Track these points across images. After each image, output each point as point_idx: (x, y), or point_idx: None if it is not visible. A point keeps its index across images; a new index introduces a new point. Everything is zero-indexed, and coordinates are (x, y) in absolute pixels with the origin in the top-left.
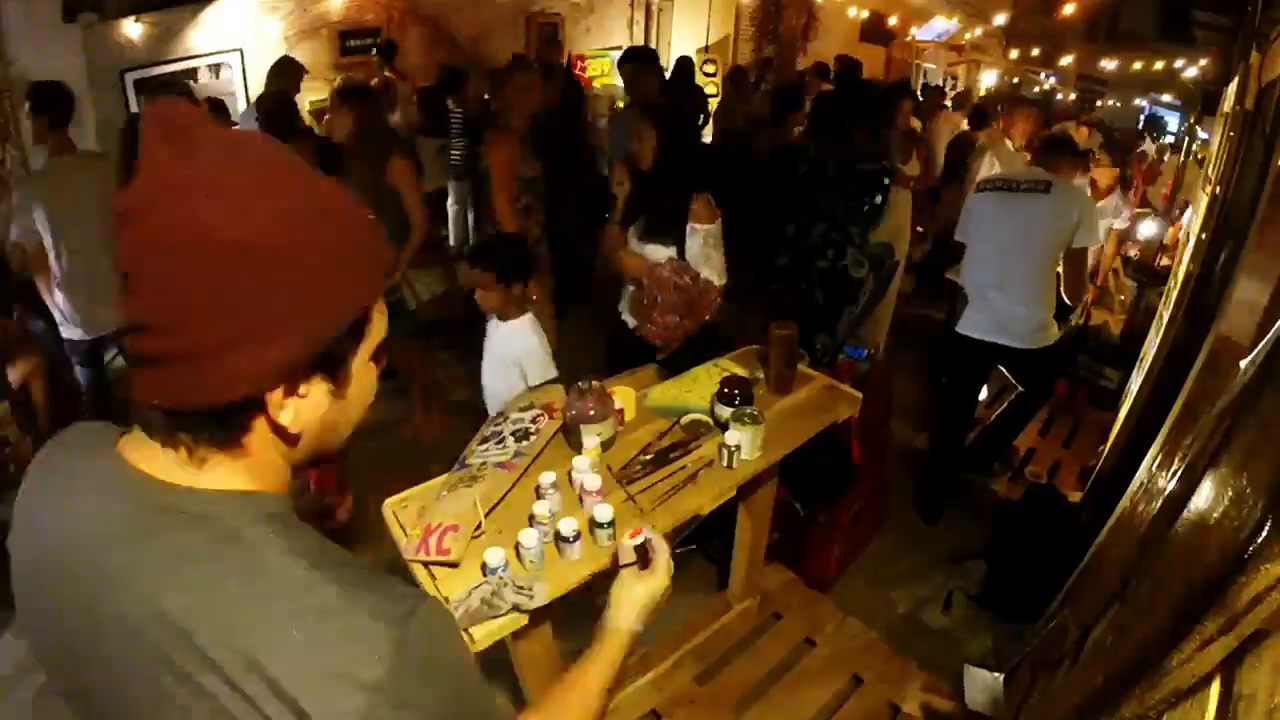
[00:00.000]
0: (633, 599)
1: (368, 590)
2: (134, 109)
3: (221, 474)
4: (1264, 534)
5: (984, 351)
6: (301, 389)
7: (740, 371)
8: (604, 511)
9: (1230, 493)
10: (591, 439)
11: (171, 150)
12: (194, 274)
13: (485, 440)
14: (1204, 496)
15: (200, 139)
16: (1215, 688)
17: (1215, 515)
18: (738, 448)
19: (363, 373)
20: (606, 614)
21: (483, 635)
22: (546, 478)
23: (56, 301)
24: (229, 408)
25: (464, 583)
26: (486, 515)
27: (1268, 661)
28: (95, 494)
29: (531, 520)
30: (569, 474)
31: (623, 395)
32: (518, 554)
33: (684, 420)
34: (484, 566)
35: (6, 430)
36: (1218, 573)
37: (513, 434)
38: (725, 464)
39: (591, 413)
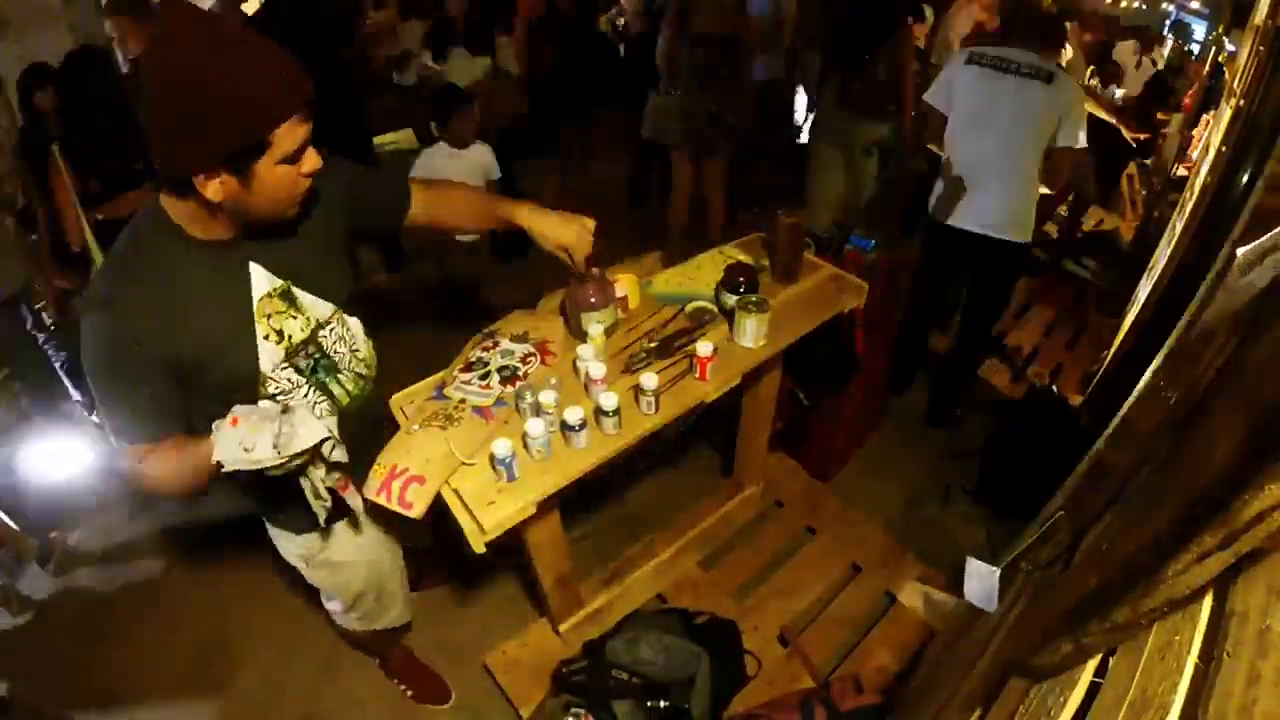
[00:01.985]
0: (232, 450)
1: (111, 271)
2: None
3: (172, 204)
4: (1270, 453)
5: (961, 241)
6: (220, 178)
7: (746, 259)
8: (609, 399)
9: (1236, 408)
10: (594, 327)
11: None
12: (151, 107)
13: (470, 366)
14: (1209, 410)
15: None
16: (1208, 602)
17: (1219, 430)
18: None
19: (272, 173)
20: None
21: (492, 525)
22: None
23: None
24: (180, 180)
25: None
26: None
27: (1262, 581)
28: None
29: (537, 410)
30: (573, 362)
31: (626, 282)
32: (525, 444)
33: (688, 308)
34: (492, 458)
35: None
36: (1220, 488)
37: (499, 370)
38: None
39: (593, 300)
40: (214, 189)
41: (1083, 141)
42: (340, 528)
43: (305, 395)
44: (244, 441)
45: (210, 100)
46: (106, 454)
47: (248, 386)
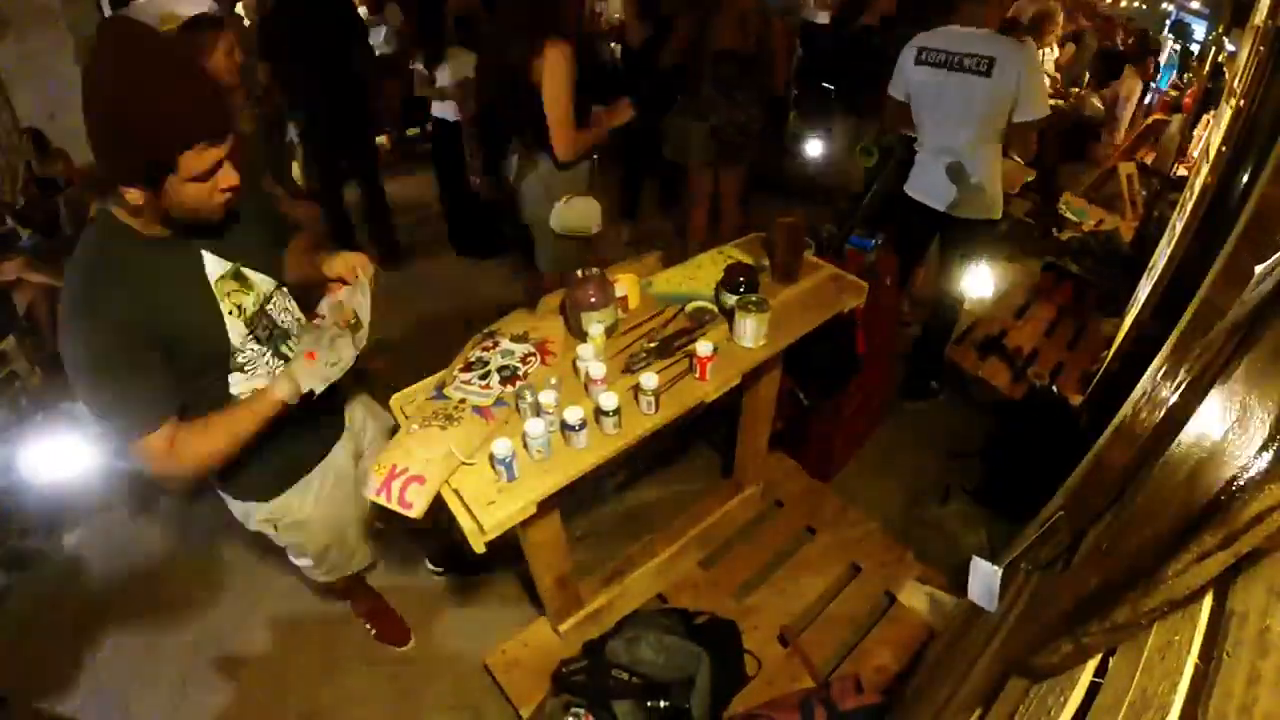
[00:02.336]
0: (287, 375)
1: (81, 277)
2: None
3: (117, 209)
4: (1270, 454)
5: (925, 215)
6: (138, 189)
7: (746, 259)
8: (609, 399)
9: (1237, 408)
10: (594, 326)
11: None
12: (85, 116)
13: (470, 366)
14: (1209, 411)
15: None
16: (1208, 602)
17: (1220, 431)
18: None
19: (182, 190)
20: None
21: (492, 524)
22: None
23: None
24: (109, 183)
25: None
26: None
27: (1262, 581)
28: None
29: (537, 409)
30: (573, 362)
31: (626, 282)
32: (524, 443)
33: (688, 308)
34: (491, 458)
35: (16, 364)
36: (1219, 489)
37: (499, 370)
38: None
39: (593, 300)
40: (133, 196)
41: (1042, 111)
42: (297, 488)
43: (267, 361)
44: (328, 360)
45: (123, 119)
46: (107, 454)
47: (222, 359)
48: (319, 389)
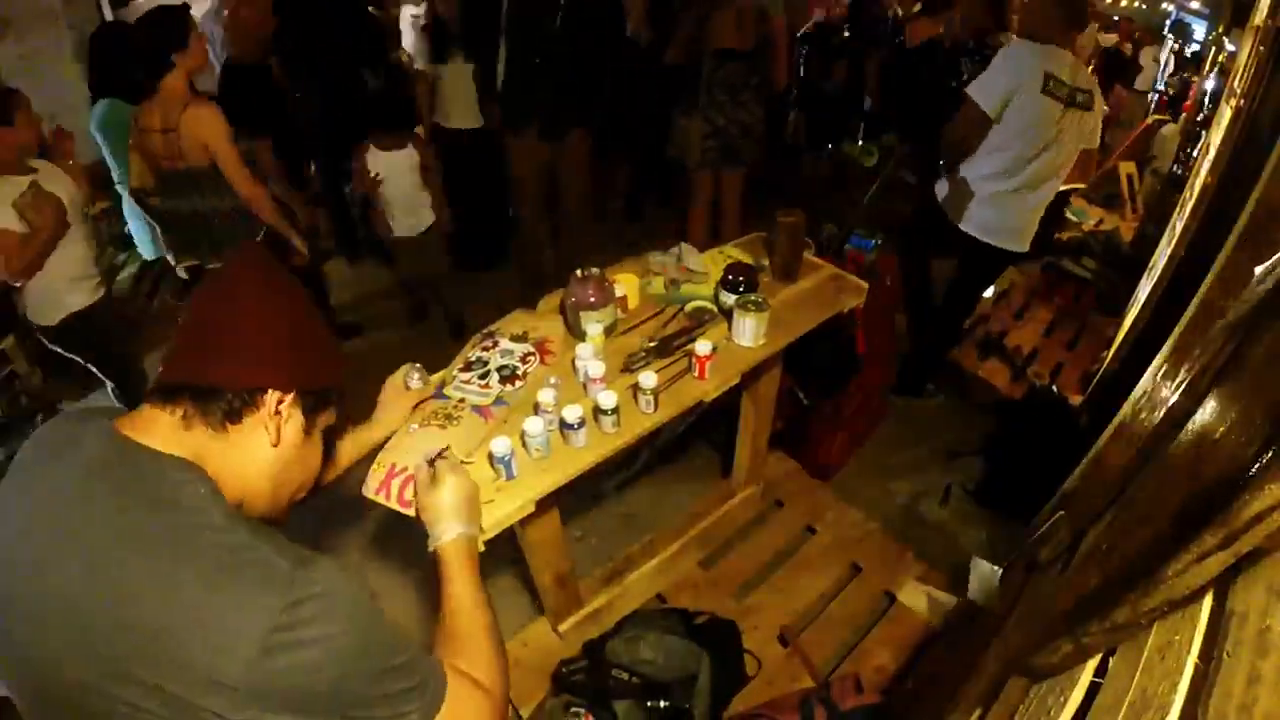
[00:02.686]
0: (438, 511)
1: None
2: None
3: (196, 441)
4: (1270, 453)
5: (985, 251)
6: (287, 406)
7: (745, 259)
8: (608, 398)
9: (1237, 409)
10: (593, 326)
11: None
12: (243, 317)
13: (469, 366)
14: (1209, 411)
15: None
16: (1208, 602)
17: (1220, 431)
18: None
19: (314, 440)
20: (429, 541)
21: (491, 523)
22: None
23: None
24: (238, 391)
25: None
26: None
27: (1262, 581)
28: (62, 462)
29: (536, 408)
30: (572, 361)
31: (626, 282)
32: (523, 442)
33: (688, 307)
34: (490, 456)
35: (16, 364)
36: (1219, 488)
37: (498, 370)
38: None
39: (592, 299)
40: (284, 413)
41: (1098, 140)
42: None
43: None
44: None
45: (305, 327)
46: None
47: None
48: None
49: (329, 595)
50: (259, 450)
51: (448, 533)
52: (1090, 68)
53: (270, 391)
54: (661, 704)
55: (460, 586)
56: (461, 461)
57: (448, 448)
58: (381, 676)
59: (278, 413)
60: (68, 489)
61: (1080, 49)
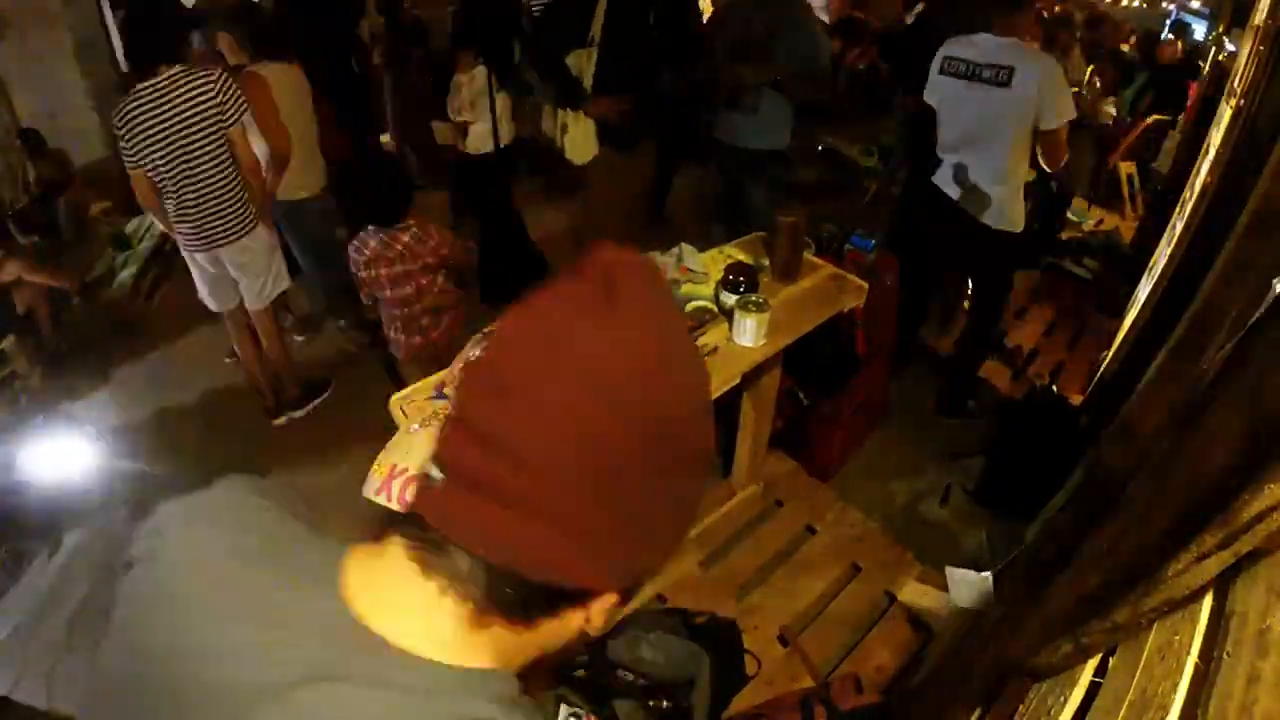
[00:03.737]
0: None
1: None
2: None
3: (484, 645)
4: (1270, 453)
5: (950, 213)
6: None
7: (745, 258)
8: None
9: (1237, 409)
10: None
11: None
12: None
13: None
14: (1210, 411)
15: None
16: (1208, 602)
17: (1220, 431)
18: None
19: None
20: None
21: None
22: None
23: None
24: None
25: None
26: None
27: (1262, 581)
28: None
29: None
30: None
31: None
32: None
33: (688, 307)
34: None
35: (16, 364)
36: (1220, 489)
37: None
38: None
39: None
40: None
41: (1066, 115)
42: None
43: None
44: None
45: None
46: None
47: None
48: None
49: None
50: None
51: None
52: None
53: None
54: (664, 704)
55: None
56: None
57: None
58: None
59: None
60: None
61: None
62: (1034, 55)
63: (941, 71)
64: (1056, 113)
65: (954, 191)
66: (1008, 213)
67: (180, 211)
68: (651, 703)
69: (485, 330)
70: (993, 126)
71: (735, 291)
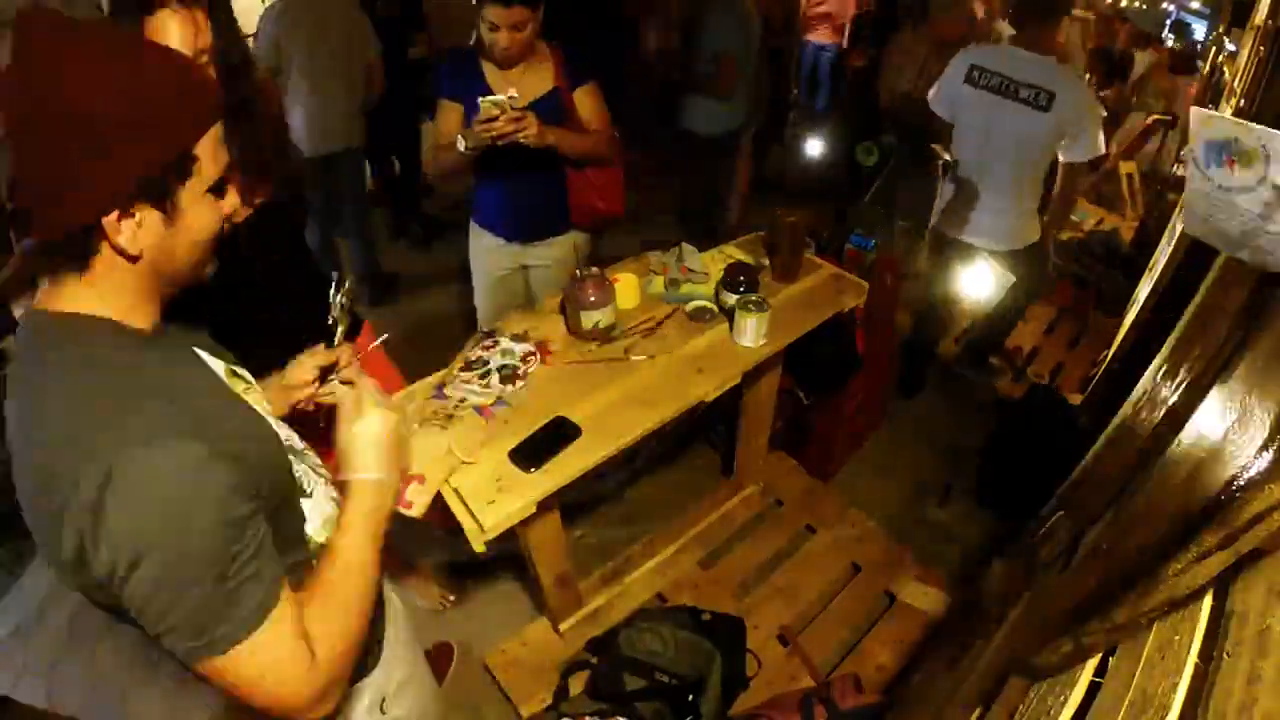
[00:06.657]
0: (352, 446)
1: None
2: None
3: (68, 296)
4: (1270, 453)
5: (964, 249)
6: (136, 214)
7: (746, 258)
8: None
9: (1237, 409)
10: (592, 325)
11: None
12: (39, 138)
13: (470, 365)
14: (1209, 411)
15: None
16: (1208, 602)
17: (1220, 431)
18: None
19: (196, 206)
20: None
21: (491, 524)
22: None
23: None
24: (79, 235)
25: None
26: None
27: (1262, 581)
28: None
29: None
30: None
31: (626, 282)
32: None
33: (689, 307)
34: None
35: None
36: (1219, 489)
37: (499, 369)
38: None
39: (591, 299)
40: (129, 232)
41: (1096, 151)
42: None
43: (306, 473)
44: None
45: (113, 110)
46: None
47: (290, 484)
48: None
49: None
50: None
51: (361, 471)
52: (1088, 73)
53: (100, 221)
54: (675, 703)
55: (348, 538)
56: (463, 462)
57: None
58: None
59: (121, 226)
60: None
61: (1070, 49)
62: (1075, 83)
63: (967, 81)
64: (1087, 147)
65: (968, 230)
66: (1023, 235)
67: None
68: (663, 703)
69: (485, 330)
70: (1025, 150)
71: (735, 291)
